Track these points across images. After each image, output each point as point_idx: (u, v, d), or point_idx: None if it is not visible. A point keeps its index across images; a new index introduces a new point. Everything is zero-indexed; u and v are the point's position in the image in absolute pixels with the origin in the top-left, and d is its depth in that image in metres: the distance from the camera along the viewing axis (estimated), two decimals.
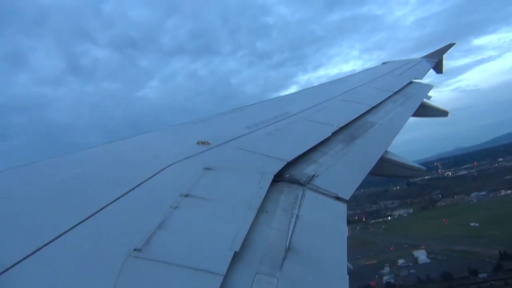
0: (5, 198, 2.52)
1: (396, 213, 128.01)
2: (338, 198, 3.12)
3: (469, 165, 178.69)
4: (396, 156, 4.79)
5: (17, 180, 2.88)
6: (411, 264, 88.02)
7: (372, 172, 4.00)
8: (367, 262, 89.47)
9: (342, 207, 3.03)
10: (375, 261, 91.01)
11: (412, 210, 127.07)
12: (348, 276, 2.19)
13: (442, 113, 8.44)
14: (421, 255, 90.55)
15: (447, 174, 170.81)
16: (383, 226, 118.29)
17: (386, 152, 4.60)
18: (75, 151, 3.56)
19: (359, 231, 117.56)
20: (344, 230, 2.73)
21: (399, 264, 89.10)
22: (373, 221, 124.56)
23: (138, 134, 4.30)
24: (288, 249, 2.27)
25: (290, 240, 2.37)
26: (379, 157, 4.28)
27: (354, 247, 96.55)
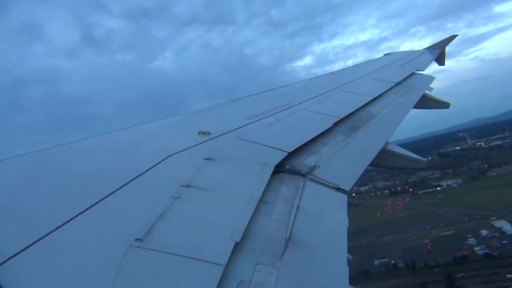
0: (7, 187, 2.52)
1: (444, 183, 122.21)
2: (338, 189, 3.12)
3: (500, 135, 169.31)
4: (397, 148, 4.78)
5: (20, 169, 2.88)
6: (497, 234, 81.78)
7: (373, 164, 4.00)
8: (443, 233, 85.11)
9: (343, 198, 3.03)
10: (452, 232, 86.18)
11: (460, 181, 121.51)
12: (348, 267, 2.20)
13: (443, 104, 8.41)
14: (506, 225, 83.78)
15: (480, 145, 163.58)
16: (439, 196, 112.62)
17: (387, 143, 4.59)
18: (86, 129, 3.55)
19: (410, 201, 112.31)
20: (345, 221, 2.74)
21: (483, 234, 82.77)
22: (422, 191, 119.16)
23: (141, 124, 4.30)
24: (288, 240, 2.28)
25: (291, 231, 2.38)
26: (380, 148, 4.27)
27: (415, 217, 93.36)
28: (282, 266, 2.04)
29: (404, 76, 7.90)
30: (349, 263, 2.29)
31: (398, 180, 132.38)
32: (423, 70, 9.04)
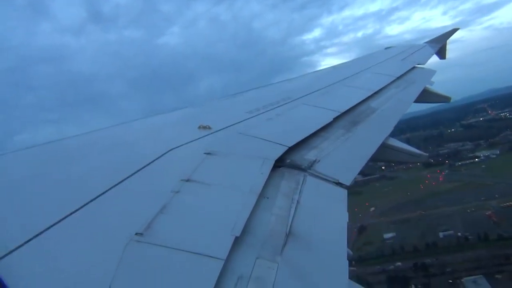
0: (8, 181, 2.52)
1: (481, 154, 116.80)
2: (339, 184, 3.12)
3: None
4: (397, 142, 4.78)
5: (21, 163, 2.88)
6: None
7: (374, 158, 4.00)
8: (504, 204, 79.19)
9: (343, 193, 3.03)
10: None
11: (498, 151, 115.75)
12: (348, 261, 2.21)
13: (444, 98, 8.40)
14: None
15: (504, 115, 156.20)
16: (483, 166, 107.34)
17: (388, 138, 4.59)
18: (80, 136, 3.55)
19: (451, 173, 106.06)
20: (345, 215, 2.74)
21: None
22: (459, 163, 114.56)
23: (141, 118, 4.29)
24: (288, 234, 2.28)
25: (291, 225, 2.38)
26: (380, 143, 4.26)
27: (463, 189, 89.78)
28: (282, 260, 2.05)
29: (405, 70, 7.88)
30: (349, 258, 2.29)
31: (427, 152, 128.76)
32: (424, 64, 9.01)
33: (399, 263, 65.99)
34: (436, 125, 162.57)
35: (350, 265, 2.22)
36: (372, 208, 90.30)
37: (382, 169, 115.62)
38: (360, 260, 68.07)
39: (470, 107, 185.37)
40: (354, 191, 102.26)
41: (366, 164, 3.71)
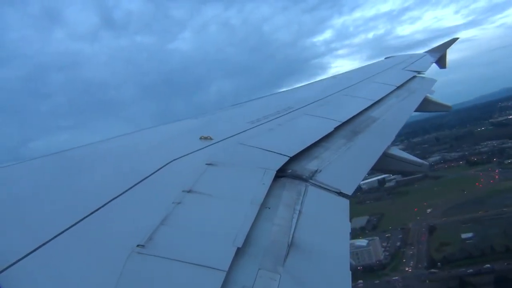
0: (10, 193, 2.53)
1: None
2: (340, 194, 3.12)
3: None
4: (399, 152, 4.78)
5: (22, 175, 2.89)
6: None
7: (375, 168, 3.99)
8: None
9: (345, 203, 3.02)
10: None
11: None
12: (350, 272, 2.20)
13: (445, 107, 8.42)
14: None
15: None
16: None
17: (389, 147, 4.59)
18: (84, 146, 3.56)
19: (504, 171, 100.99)
20: (347, 225, 2.73)
21: None
22: (508, 160, 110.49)
23: (143, 129, 4.31)
24: (290, 245, 2.27)
25: (293, 236, 2.37)
26: (381, 152, 4.26)
27: None
28: (284, 271, 2.04)
29: (405, 80, 7.90)
30: (352, 268, 2.28)
31: (466, 151, 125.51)
32: (424, 73, 9.05)
33: (488, 265, 63.81)
34: (461, 124, 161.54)
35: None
36: (429, 210, 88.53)
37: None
38: (446, 261, 66.28)
39: (489, 106, 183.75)
40: (399, 191, 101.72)
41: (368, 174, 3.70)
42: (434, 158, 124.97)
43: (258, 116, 4.58)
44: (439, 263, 66.97)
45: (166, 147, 3.69)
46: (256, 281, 1.91)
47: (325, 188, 3.16)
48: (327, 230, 2.71)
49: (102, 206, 2.28)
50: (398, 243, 78.29)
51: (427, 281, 63.46)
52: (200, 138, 3.66)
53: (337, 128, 4.55)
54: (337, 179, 3.35)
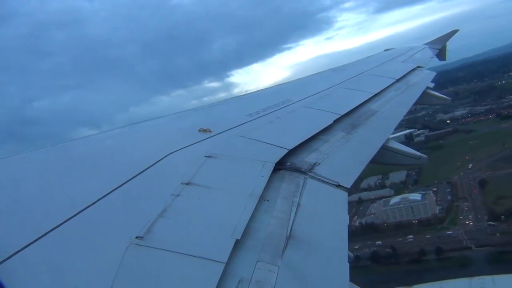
0: (8, 185, 2.53)
1: None
2: (339, 186, 3.12)
3: None
4: (397, 144, 4.78)
5: (21, 167, 2.89)
6: None
7: (374, 160, 4.00)
8: None
9: (343, 195, 3.03)
10: None
11: None
12: (348, 264, 2.21)
13: (444, 100, 8.42)
14: None
15: None
16: None
17: (388, 140, 4.59)
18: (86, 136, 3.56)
19: None
20: (345, 218, 2.74)
21: None
22: None
23: (142, 121, 4.30)
24: (289, 237, 2.28)
25: (291, 228, 2.38)
26: (380, 145, 4.27)
27: None
28: (282, 263, 2.05)
29: (405, 72, 7.89)
30: (350, 260, 2.29)
31: (492, 105, 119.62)
32: (424, 66, 9.02)
33: None
34: (478, 78, 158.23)
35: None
36: (470, 164, 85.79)
37: (448, 122, 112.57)
38: (510, 214, 62.49)
39: (503, 60, 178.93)
40: (431, 146, 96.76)
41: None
42: (460, 112, 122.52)
43: (257, 108, 4.57)
44: (502, 216, 64.02)
45: (165, 139, 3.68)
46: (254, 273, 1.92)
47: (323, 181, 3.17)
48: (325, 223, 2.72)
49: (101, 198, 2.28)
50: (449, 197, 75.88)
51: (497, 234, 60.58)
52: (199, 131, 3.65)
53: (336, 121, 4.54)
54: (336, 172, 3.35)
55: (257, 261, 2.01)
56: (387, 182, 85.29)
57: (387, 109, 5.59)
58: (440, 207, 73.31)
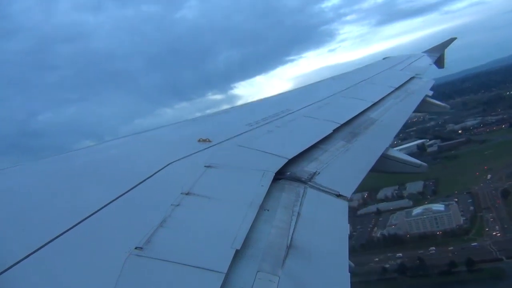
0: (9, 195, 2.53)
1: None
2: (339, 196, 3.12)
3: None
4: (397, 153, 4.78)
5: (21, 177, 2.90)
6: None
7: (374, 169, 3.99)
8: None
9: (344, 205, 3.02)
10: None
11: None
12: (349, 274, 2.20)
13: (443, 108, 8.44)
14: None
15: None
16: None
17: (387, 148, 4.59)
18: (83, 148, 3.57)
19: None
20: (346, 227, 2.73)
21: None
22: None
23: (141, 132, 4.31)
24: (289, 247, 2.27)
25: (292, 238, 2.37)
26: (380, 154, 4.27)
27: None
28: (283, 273, 2.04)
29: (404, 81, 7.92)
30: (351, 270, 2.28)
31: (504, 115, 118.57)
32: (422, 74, 9.06)
33: None
34: (485, 88, 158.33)
35: None
36: (489, 175, 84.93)
37: (459, 132, 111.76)
38: None
39: (508, 71, 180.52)
40: (446, 156, 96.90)
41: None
42: (471, 122, 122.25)
43: (256, 118, 4.58)
44: None
45: (164, 149, 3.69)
46: (255, 283, 1.91)
47: (323, 190, 3.16)
48: (326, 232, 2.72)
49: (101, 209, 2.28)
50: (471, 208, 75.42)
51: None
52: (199, 141, 3.66)
53: (335, 130, 4.55)
54: (336, 181, 3.35)
55: (258, 271, 2.00)
56: (405, 193, 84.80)
57: (387, 117, 5.61)
58: (464, 218, 72.41)
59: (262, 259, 2.12)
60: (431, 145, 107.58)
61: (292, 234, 2.42)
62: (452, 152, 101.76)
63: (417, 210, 74.33)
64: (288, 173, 3.32)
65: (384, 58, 11.22)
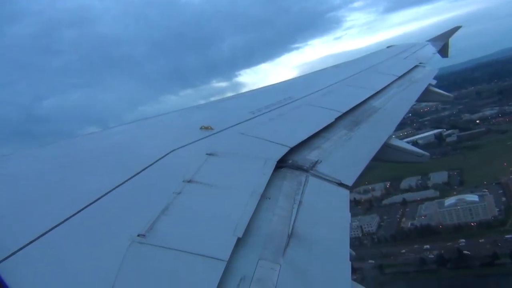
0: (11, 182, 2.54)
1: None
2: (341, 184, 3.12)
3: None
4: (399, 142, 4.77)
5: (24, 164, 2.90)
6: None
7: (376, 158, 3.99)
8: None
9: (345, 193, 3.03)
10: None
11: None
12: (350, 262, 2.21)
13: (446, 97, 8.39)
14: None
15: None
16: None
17: (390, 137, 4.58)
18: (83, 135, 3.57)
19: None
20: (347, 216, 2.74)
21: None
22: None
23: (143, 119, 4.30)
24: (291, 235, 2.28)
25: (293, 226, 2.38)
26: (382, 143, 4.25)
27: None
28: (284, 261, 2.05)
29: (407, 69, 7.86)
30: (351, 258, 2.29)
31: None
32: (426, 63, 8.99)
33: None
34: (498, 77, 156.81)
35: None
36: None
37: (477, 122, 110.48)
38: None
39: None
40: (466, 146, 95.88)
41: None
42: (489, 112, 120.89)
43: (259, 106, 4.56)
44: None
45: (166, 137, 3.68)
46: (256, 271, 1.92)
47: (325, 179, 3.16)
48: (327, 221, 2.72)
49: (103, 196, 2.29)
50: (503, 199, 73.95)
51: None
52: (201, 128, 3.65)
53: (338, 119, 4.53)
54: (338, 170, 3.35)
55: (259, 259, 2.01)
56: (429, 183, 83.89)
57: (390, 106, 5.57)
58: (497, 209, 71.22)
59: (263, 247, 2.12)
60: (449, 135, 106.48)
61: (294, 222, 2.42)
62: (471, 142, 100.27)
63: (450, 200, 73.43)
64: (290, 162, 3.32)
65: (388, 47, 11.12)
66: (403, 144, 4.81)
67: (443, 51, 11.27)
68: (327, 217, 2.77)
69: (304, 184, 2.98)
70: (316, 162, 3.41)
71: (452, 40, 11.73)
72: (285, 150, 3.38)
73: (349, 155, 3.81)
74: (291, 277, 2.00)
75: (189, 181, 2.62)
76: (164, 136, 3.74)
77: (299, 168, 3.26)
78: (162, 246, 1.93)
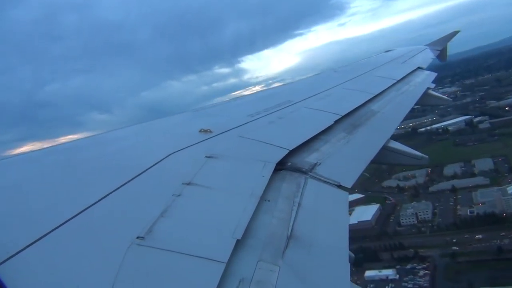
0: (10, 185, 2.53)
1: None
2: (340, 187, 3.12)
3: None
4: (398, 145, 4.78)
5: (23, 167, 2.90)
6: None
7: (375, 161, 3.99)
8: None
9: (344, 196, 3.03)
10: None
11: None
12: (349, 264, 2.21)
13: (445, 101, 8.42)
14: None
15: None
16: None
17: (388, 140, 4.59)
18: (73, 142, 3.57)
19: None
20: (346, 218, 2.74)
21: None
22: None
23: (141, 122, 4.31)
24: (290, 237, 2.28)
25: (292, 228, 2.38)
26: (381, 145, 4.26)
27: None
28: (283, 263, 2.05)
29: (406, 73, 7.89)
30: (351, 260, 2.29)
31: None
32: (424, 67, 9.03)
33: None
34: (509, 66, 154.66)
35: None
36: None
37: (506, 109, 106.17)
38: None
39: None
40: (503, 132, 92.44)
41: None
42: None
43: (258, 109, 4.57)
44: None
45: (165, 140, 3.69)
46: (255, 273, 1.92)
47: (324, 181, 3.17)
48: (326, 223, 2.72)
49: (102, 198, 2.28)
50: None
51: None
52: (200, 131, 3.65)
53: (337, 122, 4.55)
54: (337, 172, 3.35)
55: (258, 261, 2.01)
56: (475, 170, 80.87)
57: (388, 109, 5.59)
58: None
59: (262, 249, 2.12)
60: (481, 122, 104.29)
61: (293, 224, 2.42)
62: (506, 129, 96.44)
63: None
64: (289, 164, 3.32)
65: (386, 51, 11.17)
66: (402, 147, 4.81)
67: (441, 56, 11.33)
68: (326, 219, 2.77)
69: (303, 186, 2.99)
70: (315, 164, 3.41)
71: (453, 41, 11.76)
72: (284, 152, 3.38)
73: (348, 158, 3.82)
74: (290, 279, 2.00)
75: (189, 184, 2.62)
76: (164, 139, 3.75)
77: (298, 170, 3.26)
78: (161, 248, 1.93)
